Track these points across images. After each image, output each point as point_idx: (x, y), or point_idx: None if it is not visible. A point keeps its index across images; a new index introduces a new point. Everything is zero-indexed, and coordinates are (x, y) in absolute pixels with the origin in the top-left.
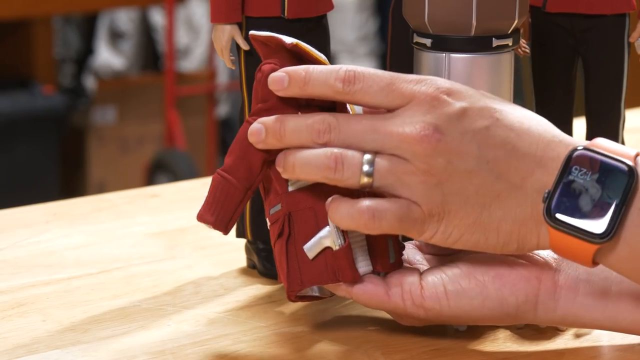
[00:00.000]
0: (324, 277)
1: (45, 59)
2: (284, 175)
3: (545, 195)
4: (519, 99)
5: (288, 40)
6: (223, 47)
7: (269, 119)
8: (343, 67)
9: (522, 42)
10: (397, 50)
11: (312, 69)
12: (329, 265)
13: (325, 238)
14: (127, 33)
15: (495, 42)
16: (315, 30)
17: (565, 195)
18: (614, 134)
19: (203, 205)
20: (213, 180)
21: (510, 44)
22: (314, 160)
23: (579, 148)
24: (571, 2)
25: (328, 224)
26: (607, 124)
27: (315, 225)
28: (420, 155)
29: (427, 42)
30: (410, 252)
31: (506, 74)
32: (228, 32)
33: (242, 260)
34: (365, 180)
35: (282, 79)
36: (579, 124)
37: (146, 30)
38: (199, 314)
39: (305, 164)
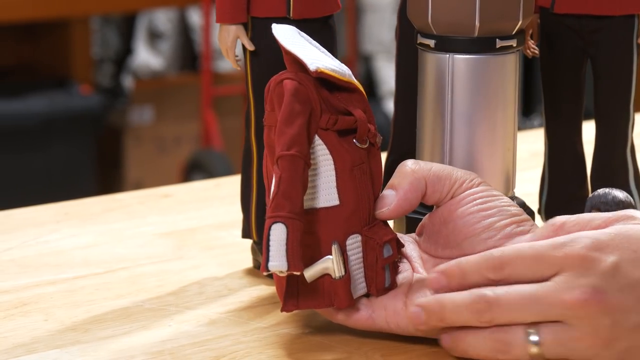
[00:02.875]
0: (320, 302)
1: (83, 59)
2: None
3: None
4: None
5: (312, 66)
6: (228, 47)
7: (425, 301)
8: (490, 257)
9: (531, 42)
10: (405, 50)
11: (465, 264)
12: (325, 290)
13: (327, 267)
14: (166, 33)
15: (499, 43)
16: (322, 31)
17: None
18: (623, 136)
19: (290, 257)
20: (290, 228)
21: (515, 45)
22: (482, 346)
23: None
24: (580, 3)
25: (330, 252)
26: (616, 126)
27: (317, 252)
28: (585, 319)
29: (431, 42)
30: (409, 248)
31: (511, 75)
32: (233, 33)
33: (249, 261)
34: (534, 352)
35: (439, 278)
36: (588, 127)
37: (184, 30)
38: (201, 314)
39: (473, 349)
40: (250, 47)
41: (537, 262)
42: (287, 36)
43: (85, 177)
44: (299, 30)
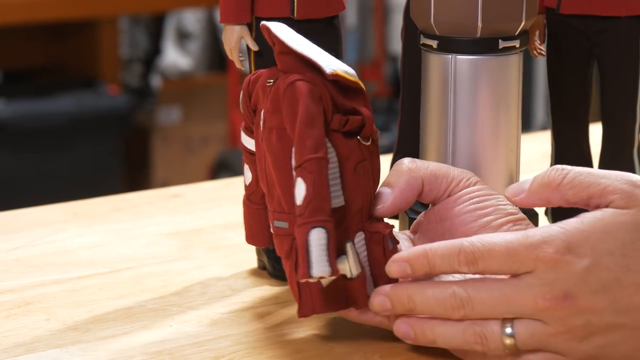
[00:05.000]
0: (337, 305)
1: (111, 59)
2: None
3: None
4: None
5: (328, 69)
6: (232, 47)
7: (392, 291)
8: (461, 251)
9: (537, 43)
10: (410, 51)
11: (432, 256)
12: (340, 292)
13: (342, 268)
14: (194, 33)
15: (502, 44)
16: (326, 31)
17: None
18: (630, 137)
19: (332, 262)
20: (330, 232)
21: (518, 46)
22: (458, 338)
23: None
24: (585, 4)
25: (343, 252)
26: (622, 127)
27: None
28: (557, 320)
29: (433, 43)
30: (404, 245)
31: (514, 76)
32: (237, 33)
33: (254, 262)
34: (509, 344)
35: (404, 267)
36: (595, 129)
37: (212, 30)
38: (203, 314)
39: (447, 342)
40: (254, 47)
41: (510, 260)
42: (288, 35)
43: (112, 177)
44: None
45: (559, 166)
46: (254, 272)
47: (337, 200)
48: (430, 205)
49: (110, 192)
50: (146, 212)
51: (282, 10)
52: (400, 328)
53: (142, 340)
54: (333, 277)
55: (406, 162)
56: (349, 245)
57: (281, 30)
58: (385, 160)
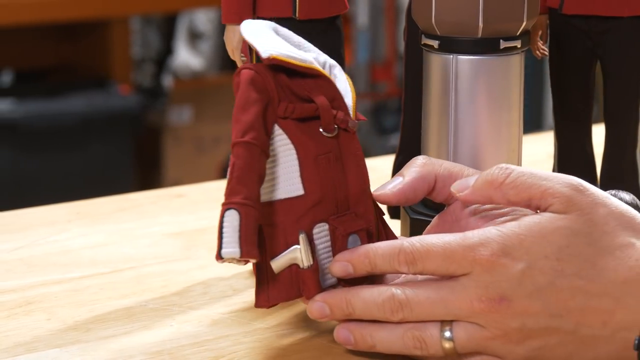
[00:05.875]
0: (290, 293)
1: (123, 59)
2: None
3: (636, 343)
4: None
5: (265, 53)
6: (234, 47)
7: (330, 296)
8: (401, 251)
9: (540, 43)
10: (413, 51)
11: (373, 256)
12: (294, 281)
13: (294, 257)
14: (206, 33)
15: (503, 44)
16: (328, 31)
17: None
18: (633, 137)
19: (243, 243)
20: (242, 214)
21: (519, 46)
22: (397, 343)
23: None
24: (588, 4)
25: (298, 242)
26: (625, 127)
27: (283, 243)
28: (493, 323)
29: (435, 43)
30: None
31: (515, 76)
32: (239, 33)
33: None
34: (448, 348)
35: (346, 267)
36: (599, 129)
37: (224, 30)
38: (204, 314)
39: (387, 347)
40: None
41: (447, 261)
42: (254, 29)
43: (123, 177)
44: (277, 25)
45: (503, 165)
46: None
47: (293, 188)
48: (436, 211)
49: (121, 192)
50: (150, 212)
51: (283, 10)
52: (340, 334)
53: (142, 340)
54: (252, 261)
55: (421, 158)
56: (301, 236)
57: (251, 25)
58: (389, 160)
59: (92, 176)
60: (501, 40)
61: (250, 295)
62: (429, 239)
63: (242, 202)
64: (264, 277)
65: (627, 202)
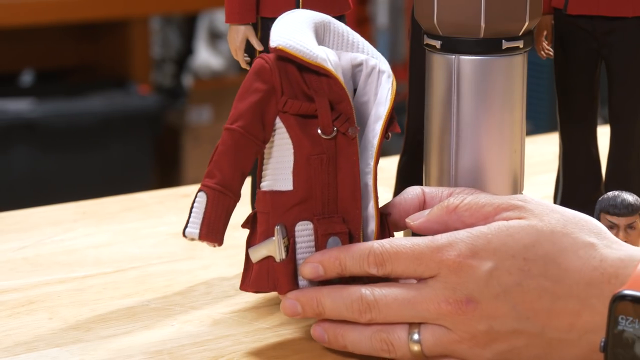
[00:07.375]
0: (264, 285)
1: (142, 59)
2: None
3: (602, 345)
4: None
5: (273, 43)
6: (237, 47)
7: (302, 294)
8: (371, 253)
9: (545, 44)
10: (417, 51)
11: (343, 257)
12: (270, 274)
13: (268, 248)
14: (226, 34)
15: (505, 45)
16: None
17: (619, 346)
18: (638, 137)
19: (204, 226)
20: (210, 197)
21: (522, 46)
22: (366, 344)
23: (620, 294)
24: (592, 4)
25: (274, 234)
26: (630, 128)
27: (266, 231)
28: (461, 325)
29: (437, 43)
30: None
31: (518, 77)
32: (242, 33)
33: None
34: (416, 351)
35: (317, 269)
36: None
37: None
38: (205, 314)
39: (357, 348)
40: (259, 47)
41: (416, 263)
42: (289, 19)
43: (143, 177)
44: (331, 20)
45: (459, 192)
46: None
47: (284, 182)
48: None
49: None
50: (156, 212)
51: (286, 10)
52: (316, 332)
53: (142, 340)
54: (209, 244)
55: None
56: (277, 228)
57: (284, 17)
58: (393, 161)
59: (111, 176)
60: (503, 41)
61: (252, 295)
62: (399, 241)
63: (213, 186)
64: (249, 262)
65: (630, 204)
